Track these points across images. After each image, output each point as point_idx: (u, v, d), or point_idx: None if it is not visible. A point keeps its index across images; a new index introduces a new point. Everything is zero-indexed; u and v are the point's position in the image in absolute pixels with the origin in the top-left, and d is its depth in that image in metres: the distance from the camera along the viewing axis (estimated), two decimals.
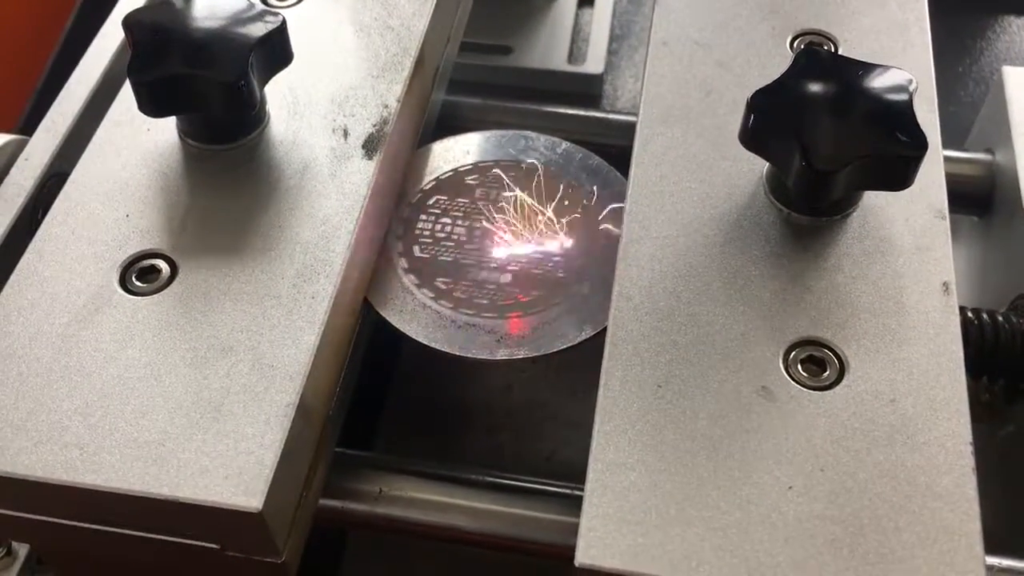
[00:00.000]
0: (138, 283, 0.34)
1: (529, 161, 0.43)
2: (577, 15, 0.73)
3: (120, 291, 0.34)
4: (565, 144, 0.43)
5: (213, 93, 0.35)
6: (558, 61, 0.70)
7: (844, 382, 0.32)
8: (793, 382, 0.32)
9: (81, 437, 0.30)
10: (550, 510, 0.37)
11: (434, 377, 0.50)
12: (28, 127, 0.68)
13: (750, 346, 0.33)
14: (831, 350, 0.32)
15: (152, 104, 0.36)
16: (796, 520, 0.29)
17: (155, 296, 0.34)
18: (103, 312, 0.33)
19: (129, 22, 0.36)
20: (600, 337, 0.37)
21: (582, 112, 0.51)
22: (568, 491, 0.38)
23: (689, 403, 0.31)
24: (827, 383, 0.32)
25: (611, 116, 0.50)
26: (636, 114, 0.50)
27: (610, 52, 0.72)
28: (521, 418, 0.48)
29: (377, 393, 0.48)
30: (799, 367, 0.32)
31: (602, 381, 0.32)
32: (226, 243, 0.35)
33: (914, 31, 0.42)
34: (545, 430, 0.48)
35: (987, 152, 0.48)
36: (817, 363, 0.32)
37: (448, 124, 0.48)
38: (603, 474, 0.30)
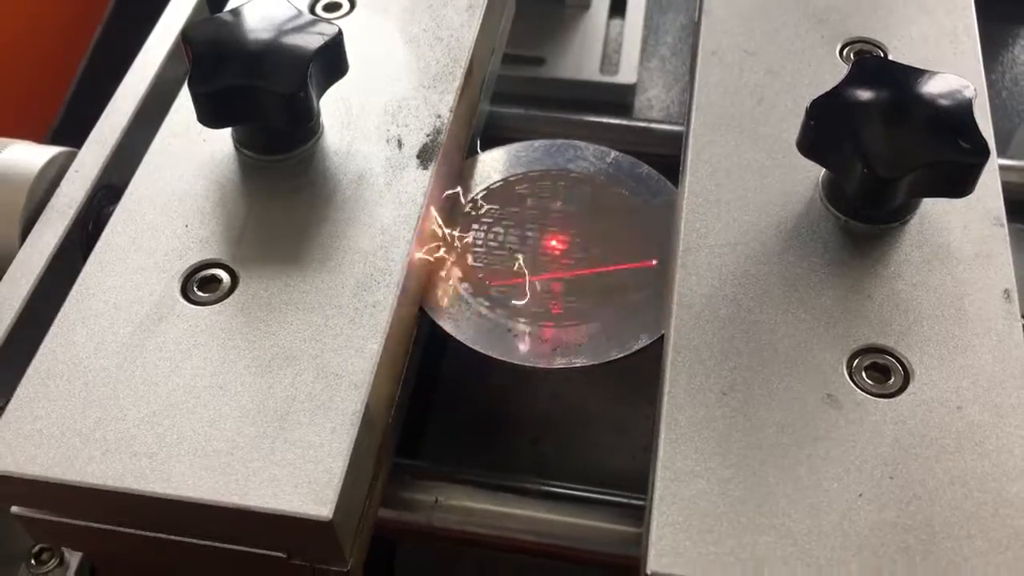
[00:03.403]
0: (200, 293, 0.35)
1: (579, 170, 0.43)
2: (608, 25, 0.73)
3: (182, 300, 0.34)
4: (614, 153, 0.43)
5: (272, 104, 0.35)
6: (591, 71, 0.70)
7: (909, 389, 0.32)
8: (858, 389, 0.32)
9: (150, 446, 0.31)
10: (606, 519, 0.37)
11: (478, 384, 0.50)
12: (59, 133, 0.69)
13: (813, 353, 0.33)
14: (895, 357, 0.32)
15: (212, 115, 0.36)
16: (868, 528, 0.29)
17: (216, 306, 0.34)
18: (166, 321, 0.34)
19: (188, 36, 0.37)
20: (655, 345, 0.37)
21: (624, 121, 0.51)
22: (624, 500, 0.38)
23: (754, 410, 0.31)
24: (892, 390, 0.32)
25: (653, 126, 0.50)
26: (676, 123, 0.50)
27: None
28: (565, 426, 0.48)
29: (423, 401, 0.48)
30: (863, 374, 0.32)
31: (665, 389, 0.32)
32: (285, 253, 0.36)
33: (963, 38, 0.42)
34: (590, 438, 0.48)
35: None
36: (881, 370, 0.32)
37: (491, 135, 0.48)
38: (672, 482, 0.30)
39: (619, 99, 0.70)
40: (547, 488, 0.38)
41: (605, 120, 0.51)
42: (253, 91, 0.35)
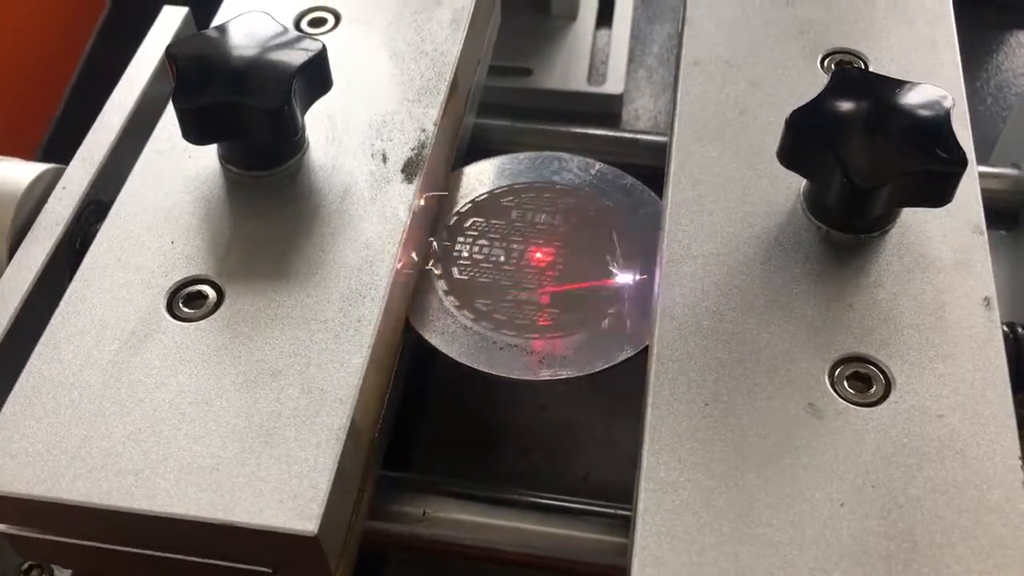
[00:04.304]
0: (185, 309, 0.35)
1: (563, 182, 0.43)
2: (595, 36, 0.74)
3: (168, 317, 0.34)
4: (599, 165, 0.44)
5: (257, 120, 0.36)
6: (578, 81, 0.70)
7: (891, 398, 0.32)
8: (840, 398, 0.32)
9: (135, 463, 0.31)
10: (594, 530, 0.37)
11: (468, 395, 0.50)
12: (49, 152, 0.69)
13: (795, 363, 0.33)
14: (876, 366, 0.33)
15: (197, 132, 0.36)
16: (850, 537, 0.29)
17: (202, 322, 0.34)
18: (152, 338, 0.34)
19: (172, 52, 0.37)
20: (640, 356, 0.37)
21: (610, 133, 0.51)
22: (611, 510, 0.38)
23: (737, 421, 0.31)
24: (874, 399, 0.32)
25: (639, 137, 0.51)
26: (662, 134, 0.51)
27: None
28: (555, 438, 0.48)
29: (413, 413, 0.48)
30: (845, 383, 0.32)
31: (649, 400, 0.32)
32: (271, 268, 0.36)
33: (943, 48, 0.42)
34: (579, 450, 0.48)
35: (1014, 167, 0.49)
36: (863, 379, 0.32)
37: (477, 147, 0.49)
38: (655, 493, 0.30)
39: (607, 109, 0.70)
40: (535, 499, 0.38)
41: (591, 131, 0.51)
42: (237, 108, 0.35)
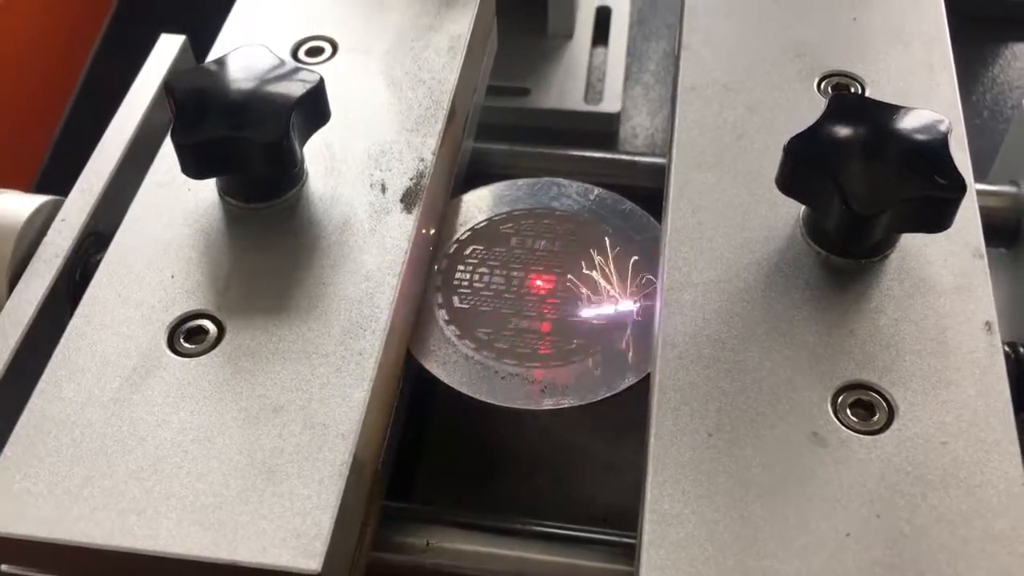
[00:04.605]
0: (186, 344, 0.35)
1: (562, 208, 0.43)
2: (591, 54, 0.74)
3: (169, 353, 0.34)
4: (597, 190, 0.44)
5: (256, 154, 0.36)
6: (575, 101, 0.70)
7: (894, 426, 0.32)
8: (843, 427, 0.32)
9: (138, 502, 0.31)
10: (599, 559, 0.37)
11: (470, 422, 0.50)
12: (44, 183, 0.69)
13: (798, 391, 0.33)
14: (879, 393, 0.33)
15: (196, 167, 0.36)
16: (856, 568, 0.29)
17: (203, 357, 0.34)
18: (153, 375, 0.34)
19: (170, 87, 0.37)
20: (642, 384, 0.37)
21: (608, 155, 0.51)
22: (616, 538, 0.38)
23: (741, 451, 0.31)
24: (877, 427, 0.32)
25: (637, 159, 0.51)
26: (659, 156, 0.51)
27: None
28: (559, 463, 0.48)
29: (415, 442, 0.48)
30: (848, 411, 0.32)
31: (652, 430, 0.32)
32: (271, 301, 0.36)
33: (939, 70, 0.43)
34: (584, 474, 0.48)
35: (1012, 184, 0.49)
36: (866, 407, 0.32)
37: (475, 171, 0.49)
38: (659, 526, 0.30)
39: (604, 127, 0.70)
40: (539, 528, 0.38)
41: (589, 154, 0.51)
42: (236, 142, 0.35)
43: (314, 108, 0.38)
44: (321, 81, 0.37)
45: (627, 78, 0.74)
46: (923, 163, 0.34)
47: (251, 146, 0.35)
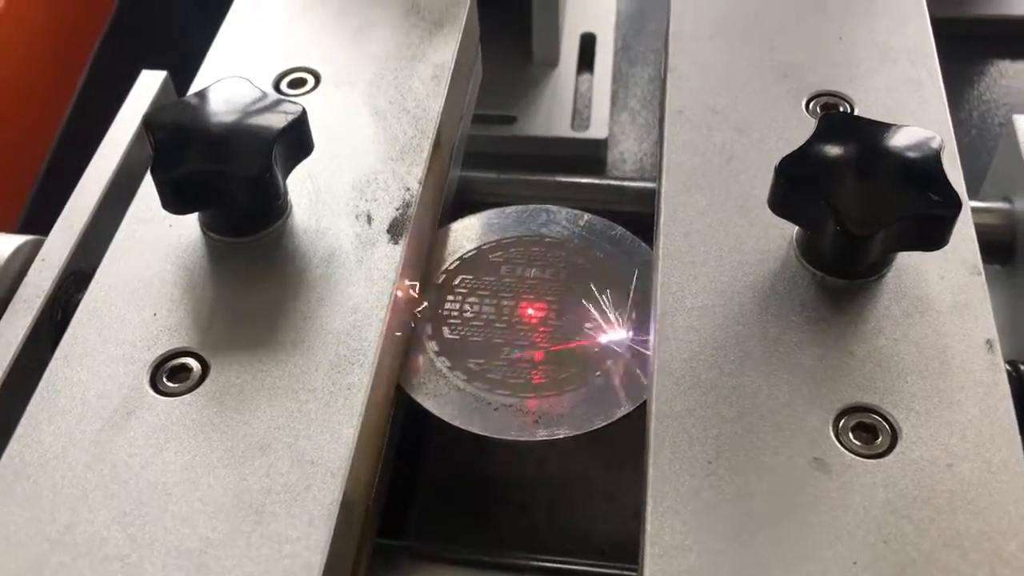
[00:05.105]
0: (169, 383, 0.34)
1: (552, 235, 0.42)
2: (577, 81, 0.74)
3: (151, 392, 0.33)
4: (587, 216, 0.43)
5: (238, 188, 0.35)
6: (562, 128, 0.70)
7: (898, 448, 0.31)
8: (846, 451, 0.31)
9: (121, 548, 0.30)
10: None
11: (462, 454, 0.49)
12: (28, 223, 0.68)
13: (798, 416, 0.32)
14: (881, 416, 0.32)
15: (177, 202, 0.35)
16: None
17: (187, 396, 0.33)
18: (136, 416, 0.33)
19: (149, 121, 0.36)
20: (638, 412, 0.36)
21: (597, 181, 0.51)
22: (615, 571, 0.37)
23: (742, 479, 0.31)
24: (880, 450, 0.31)
25: (626, 184, 0.50)
26: (649, 180, 0.50)
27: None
28: (554, 493, 0.47)
29: (407, 478, 0.47)
30: (850, 435, 0.31)
31: (650, 460, 0.31)
32: (256, 337, 0.35)
33: (928, 87, 0.42)
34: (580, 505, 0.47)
35: (1005, 201, 0.48)
36: (868, 430, 0.32)
37: (463, 200, 0.48)
38: (661, 558, 0.29)
39: (592, 153, 0.70)
40: (536, 563, 0.37)
41: (577, 180, 0.51)
42: (217, 176, 0.35)
43: (297, 140, 0.37)
44: (304, 112, 0.37)
45: (613, 104, 0.73)
46: (917, 181, 0.33)
47: (233, 180, 0.35)
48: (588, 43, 0.76)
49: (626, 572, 0.36)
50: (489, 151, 0.68)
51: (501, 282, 0.41)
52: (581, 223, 0.43)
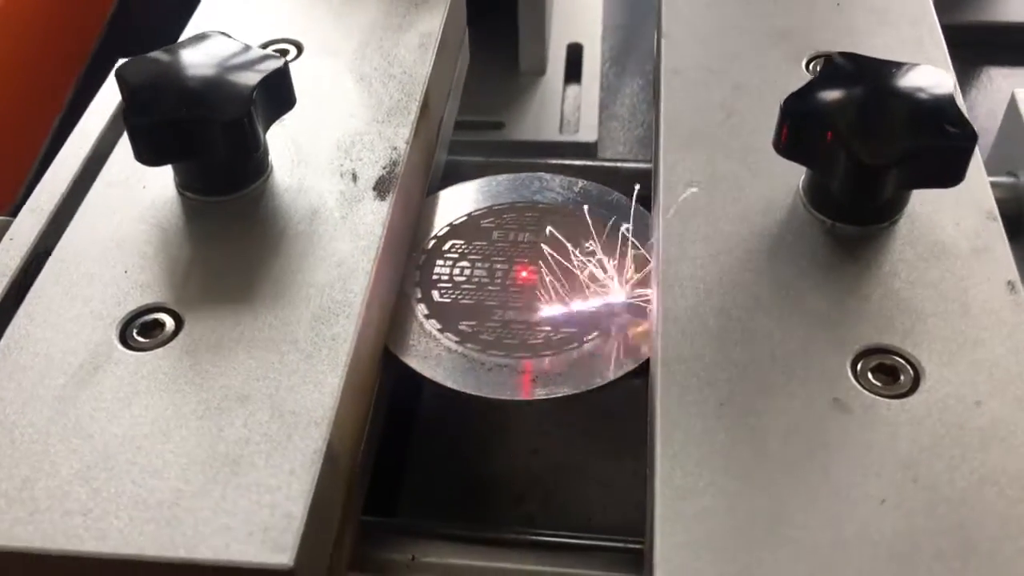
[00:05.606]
0: (140, 338, 0.32)
1: (546, 201, 0.41)
2: (565, 90, 0.73)
3: (120, 348, 0.31)
4: (582, 182, 0.41)
5: (215, 135, 0.33)
6: (550, 132, 0.69)
7: (922, 388, 0.29)
8: (867, 392, 0.29)
9: (84, 503, 0.27)
10: (595, 566, 0.34)
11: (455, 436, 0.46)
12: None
13: (814, 358, 0.30)
14: (902, 357, 0.30)
15: (151, 151, 0.34)
16: (895, 535, 0.26)
17: (159, 350, 0.31)
18: (103, 370, 0.30)
19: (121, 71, 0.34)
20: (639, 373, 0.34)
21: (589, 162, 0.49)
22: (614, 544, 0.34)
23: (757, 420, 0.28)
24: (903, 391, 0.29)
25: (620, 164, 0.48)
26: (643, 161, 0.49)
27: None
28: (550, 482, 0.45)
29: (397, 457, 0.44)
30: (870, 376, 0.29)
31: (658, 407, 0.29)
32: (234, 292, 0.33)
33: (930, 46, 0.41)
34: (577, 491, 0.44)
35: (1010, 175, 0.47)
36: (889, 371, 0.30)
37: (450, 184, 0.46)
38: (674, 500, 0.27)
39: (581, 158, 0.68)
40: (532, 538, 0.35)
41: (570, 162, 0.49)
42: (194, 122, 0.33)
43: (278, 91, 0.35)
44: (286, 64, 0.35)
45: (602, 110, 0.72)
46: (930, 113, 0.32)
47: (210, 126, 0.33)
48: (575, 54, 0.75)
49: (630, 544, 0.34)
50: (477, 156, 0.67)
51: (493, 247, 0.39)
52: (575, 189, 0.41)
